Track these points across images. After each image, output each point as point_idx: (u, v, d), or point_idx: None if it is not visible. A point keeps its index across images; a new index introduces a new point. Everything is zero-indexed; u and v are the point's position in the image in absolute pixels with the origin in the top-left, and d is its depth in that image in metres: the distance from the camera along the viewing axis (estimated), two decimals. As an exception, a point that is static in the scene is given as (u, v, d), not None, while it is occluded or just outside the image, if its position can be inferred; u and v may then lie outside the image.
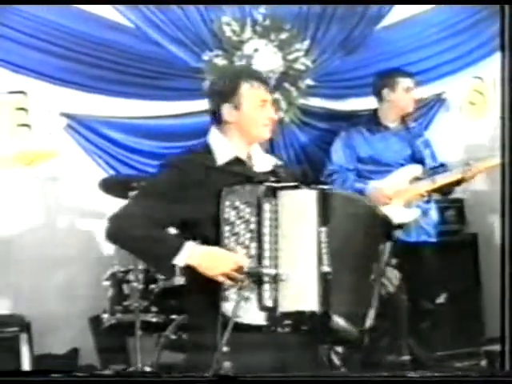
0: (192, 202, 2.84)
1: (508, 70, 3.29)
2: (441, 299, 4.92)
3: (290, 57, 5.23)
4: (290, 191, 2.80)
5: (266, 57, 5.17)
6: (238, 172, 2.89)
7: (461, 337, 5.11)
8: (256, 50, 5.15)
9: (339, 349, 4.76)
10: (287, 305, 2.73)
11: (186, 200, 2.84)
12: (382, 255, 2.89)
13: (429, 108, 5.50)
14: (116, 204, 4.60)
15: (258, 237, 2.76)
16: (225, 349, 2.71)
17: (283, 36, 5.20)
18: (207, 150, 2.96)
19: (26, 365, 4.44)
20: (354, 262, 2.82)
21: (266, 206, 2.77)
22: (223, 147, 2.95)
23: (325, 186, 2.87)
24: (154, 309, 4.38)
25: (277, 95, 5.17)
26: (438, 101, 5.56)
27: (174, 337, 4.28)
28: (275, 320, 2.74)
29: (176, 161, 2.97)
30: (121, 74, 5.00)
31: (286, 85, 5.25)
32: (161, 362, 4.34)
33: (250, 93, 2.93)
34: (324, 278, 2.74)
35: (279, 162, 3.06)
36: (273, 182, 2.84)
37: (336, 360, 4.49)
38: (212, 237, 2.80)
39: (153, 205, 2.85)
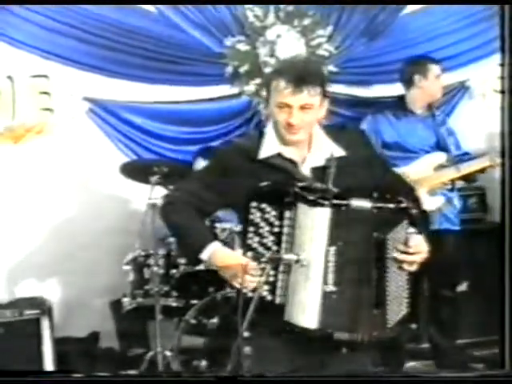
0: (229, 194, 2.87)
1: (508, 70, 3.25)
2: (462, 287, 4.89)
3: (313, 43, 5.22)
4: (306, 206, 2.73)
5: (288, 43, 5.15)
6: (281, 168, 2.85)
7: (481, 325, 5.08)
8: (279, 36, 5.14)
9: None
10: (290, 314, 2.74)
11: (224, 192, 2.88)
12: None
13: (452, 95, 5.46)
14: (137, 188, 4.69)
15: (279, 241, 2.75)
16: (246, 334, 2.72)
17: (306, 22, 5.18)
18: (259, 138, 2.92)
19: (46, 348, 4.47)
20: (364, 272, 2.78)
21: (287, 214, 2.75)
22: (271, 140, 2.89)
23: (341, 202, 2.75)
24: (174, 293, 4.40)
25: (299, 81, 5.15)
26: (461, 88, 5.52)
27: (193, 321, 4.30)
28: (279, 325, 2.76)
29: (221, 151, 3.06)
30: (143, 59, 5.00)
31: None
32: (180, 346, 4.36)
33: (275, 93, 2.82)
34: (327, 297, 2.73)
35: (339, 154, 2.88)
36: (302, 186, 2.76)
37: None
38: (239, 234, 2.88)
39: (195, 192, 2.91)
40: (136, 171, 4.61)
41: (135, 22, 4.97)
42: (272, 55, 5.13)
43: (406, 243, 2.81)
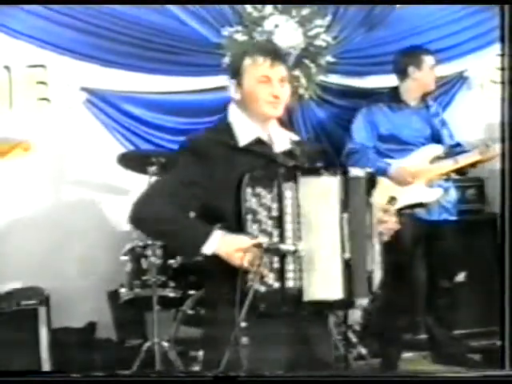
0: (215, 186, 2.78)
1: (508, 70, 3.24)
2: (460, 278, 4.89)
3: (311, 33, 5.19)
4: (311, 178, 2.74)
5: (286, 33, 5.13)
6: (261, 153, 2.83)
7: (479, 316, 5.08)
8: (277, 26, 5.11)
9: (356, 327, 4.78)
10: (312, 293, 2.72)
11: (208, 184, 2.78)
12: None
13: (450, 86, 5.45)
14: (135, 179, 4.68)
15: (280, 224, 2.72)
16: (243, 324, 2.71)
17: (304, 12, 5.16)
18: (228, 129, 2.88)
19: (43, 338, 4.47)
20: (366, 238, 2.82)
21: (288, 193, 2.73)
22: (245, 127, 2.87)
23: (347, 169, 2.81)
24: (171, 284, 4.39)
25: (296, 72, 5.15)
26: (459, 79, 5.50)
27: (191, 312, 4.30)
28: (299, 309, 2.74)
29: (198, 142, 2.86)
30: (141, 49, 4.99)
31: (306, 61, 5.21)
32: (178, 336, 4.36)
33: (252, 68, 2.83)
34: (347, 265, 2.74)
35: (297, 139, 2.99)
36: (293, 165, 2.78)
37: (353, 338, 4.49)
38: (235, 223, 2.75)
39: (176, 189, 2.79)
40: (134, 161, 4.60)
41: (133, 12, 4.95)
42: (270, 45, 5.12)
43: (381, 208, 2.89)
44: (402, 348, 4.79)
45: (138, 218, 2.82)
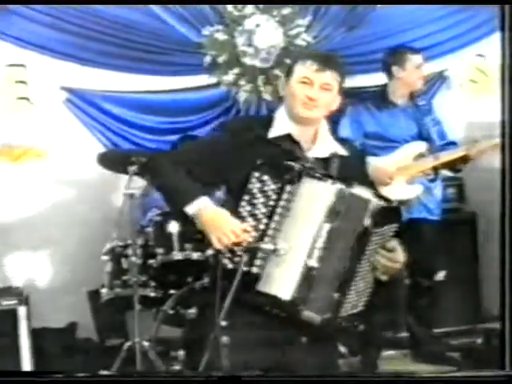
0: (231, 166, 2.91)
1: (508, 70, 3.24)
2: (440, 276, 4.91)
3: (292, 32, 5.20)
4: (312, 180, 2.82)
5: (266, 32, 5.14)
6: (285, 149, 2.90)
7: (458, 314, 5.12)
8: (257, 26, 5.12)
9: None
10: (265, 285, 2.78)
11: (225, 163, 2.92)
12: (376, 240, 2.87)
13: (430, 85, 5.45)
14: (115, 178, 4.67)
15: (270, 215, 2.81)
16: (223, 323, 2.73)
17: (285, 11, 5.17)
18: (269, 121, 3.00)
19: (24, 338, 4.45)
20: (348, 256, 2.83)
21: (287, 188, 2.81)
22: (280, 122, 2.97)
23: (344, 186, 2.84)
24: (152, 283, 4.37)
25: (277, 71, 5.16)
26: (439, 78, 5.52)
27: (171, 311, 4.29)
28: (252, 294, 2.79)
29: (231, 124, 3.17)
30: (121, 48, 4.98)
31: (288, 61, 5.21)
32: (159, 336, 4.36)
33: (299, 70, 2.94)
34: (308, 272, 2.78)
35: (342, 153, 3.01)
36: (310, 169, 2.85)
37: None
38: (231, 199, 2.90)
39: (193, 158, 2.96)
40: (114, 161, 4.58)
41: (113, 11, 4.94)
42: (250, 45, 5.12)
43: (387, 247, 2.87)
44: (382, 346, 4.81)
45: (153, 164, 3.18)
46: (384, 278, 2.91)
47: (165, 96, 5.15)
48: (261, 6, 5.12)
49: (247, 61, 5.14)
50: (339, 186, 2.81)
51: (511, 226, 3.40)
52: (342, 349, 4.50)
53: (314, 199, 2.81)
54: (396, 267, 2.93)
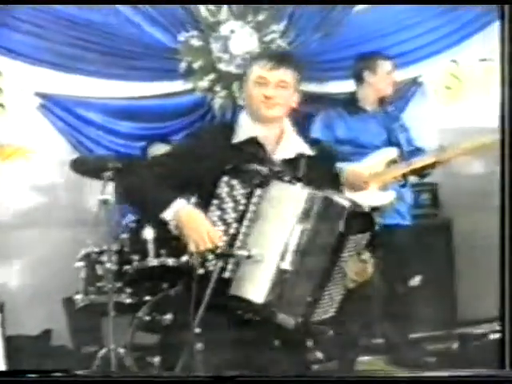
0: (199, 173, 2.94)
1: (508, 71, 3.26)
2: (415, 282, 4.93)
3: (267, 38, 5.21)
4: (282, 184, 2.85)
5: (242, 38, 5.15)
6: (251, 153, 2.95)
7: (434, 319, 5.14)
8: (232, 32, 5.13)
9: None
10: (238, 289, 2.80)
11: (194, 170, 2.96)
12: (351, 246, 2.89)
13: (405, 91, 5.48)
14: (89, 184, 4.65)
15: (240, 219, 2.83)
16: (197, 330, 2.74)
17: (260, 17, 5.18)
18: (231, 127, 3.06)
19: (-2, 345, 4.42)
20: (322, 260, 2.85)
21: (257, 192, 2.84)
22: (243, 126, 3.02)
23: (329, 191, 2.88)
24: (127, 290, 4.37)
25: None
26: (414, 84, 5.54)
27: (147, 318, 4.29)
28: (225, 298, 2.82)
29: (198, 131, 3.22)
30: (96, 54, 4.95)
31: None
32: (134, 342, 4.35)
33: (253, 71, 3.00)
34: (281, 275, 2.80)
35: (307, 153, 3.05)
36: (275, 171, 2.88)
37: (309, 343, 4.50)
38: (202, 204, 2.91)
39: (164, 166, 3.00)
40: (88, 167, 4.57)
41: (88, 16, 4.92)
42: (225, 51, 5.13)
43: (360, 258, 2.92)
44: (358, 352, 4.81)
45: (119, 189, 3.23)
46: (351, 286, 2.93)
47: (140, 102, 5.14)
48: (235, 11, 5.13)
49: (222, 67, 5.15)
50: (310, 190, 2.82)
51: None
52: (319, 354, 4.51)
53: (285, 203, 2.82)
54: (363, 279, 2.95)
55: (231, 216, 2.84)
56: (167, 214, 2.88)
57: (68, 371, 3.38)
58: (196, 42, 5.08)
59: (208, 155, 2.93)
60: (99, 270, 4.41)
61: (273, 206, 2.83)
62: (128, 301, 4.37)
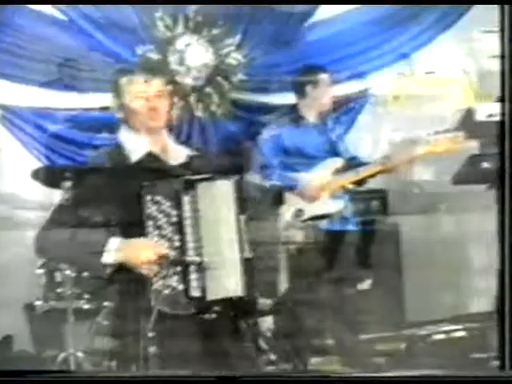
0: (113, 201, 2.90)
1: (508, 72, 3.34)
2: (364, 285, 5.08)
3: (222, 52, 5.35)
4: (207, 182, 2.89)
5: (197, 52, 5.28)
6: (154, 167, 2.97)
7: (383, 321, 5.27)
8: (188, 45, 5.25)
9: (268, 333, 4.91)
10: (214, 292, 2.85)
11: (107, 201, 2.90)
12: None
13: (355, 104, 5.63)
14: (50, 193, 4.72)
15: (180, 229, 2.86)
16: (150, 334, 2.84)
17: (215, 31, 5.31)
18: (120, 148, 3.04)
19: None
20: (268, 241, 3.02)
21: (185, 199, 2.87)
22: (133, 144, 3.03)
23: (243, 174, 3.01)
24: (86, 296, 4.46)
25: (209, 89, 5.30)
26: (364, 96, 5.68)
27: (106, 323, 4.36)
28: (203, 308, 2.87)
29: (94, 164, 3.09)
30: (53, 66, 5.02)
31: (219, 79, 5.37)
32: (94, 347, 4.43)
33: (128, 86, 3.01)
34: (247, 264, 2.90)
35: (194, 153, 3.13)
36: (190, 174, 2.93)
37: (264, 345, 4.62)
38: (137, 232, 2.88)
39: (75, 210, 2.93)
40: (49, 177, 4.63)
41: (45, 29, 5.01)
42: (182, 64, 5.26)
43: None
44: (310, 353, 4.94)
45: (40, 248, 2.98)
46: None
47: (99, 113, 5.19)
48: (191, 25, 5.25)
49: (179, 79, 5.27)
50: (233, 178, 2.92)
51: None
52: (273, 356, 4.63)
53: (219, 197, 2.90)
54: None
55: (170, 230, 2.86)
56: (107, 258, 2.84)
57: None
58: (153, 56, 5.19)
59: (118, 181, 2.91)
60: (58, 277, 4.49)
61: (207, 206, 2.88)
62: (87, 306, 4.46)
